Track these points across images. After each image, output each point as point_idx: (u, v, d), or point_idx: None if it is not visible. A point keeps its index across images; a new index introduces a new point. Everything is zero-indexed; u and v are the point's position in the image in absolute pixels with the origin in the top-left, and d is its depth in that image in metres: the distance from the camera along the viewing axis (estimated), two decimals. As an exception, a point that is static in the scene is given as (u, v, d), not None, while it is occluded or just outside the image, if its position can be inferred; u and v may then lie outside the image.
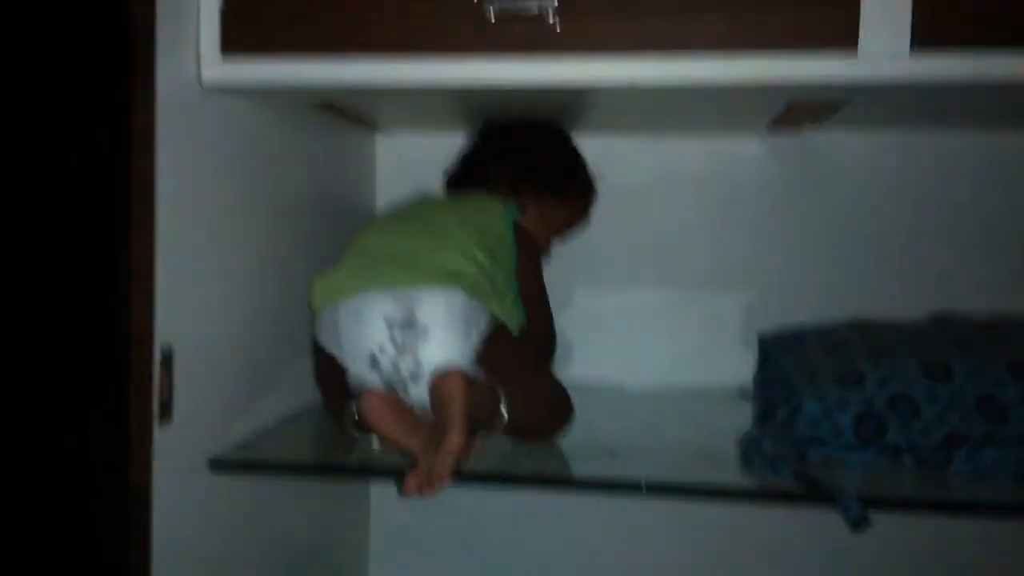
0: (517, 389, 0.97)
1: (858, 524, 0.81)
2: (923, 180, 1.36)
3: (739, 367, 1.36)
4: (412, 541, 1.51)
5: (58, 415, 0.88)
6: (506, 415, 0.95)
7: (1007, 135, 1.32)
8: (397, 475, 0.86)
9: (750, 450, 0.96)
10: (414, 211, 1.17)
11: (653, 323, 1.42)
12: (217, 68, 0.91)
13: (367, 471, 0.91)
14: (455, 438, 0.84)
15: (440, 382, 0.90)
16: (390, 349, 0.96)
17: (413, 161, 1.46)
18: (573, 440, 1.07)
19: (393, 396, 0.97)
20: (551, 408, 1.05)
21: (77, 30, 0.86)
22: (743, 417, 1.18)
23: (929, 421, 0.96)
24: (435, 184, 1.34)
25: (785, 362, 1.20)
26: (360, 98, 1.12)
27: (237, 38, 0.90)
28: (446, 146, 1.37)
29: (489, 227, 1.14)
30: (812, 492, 0.84)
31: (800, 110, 1.11)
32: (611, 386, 1.39)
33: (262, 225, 1.09)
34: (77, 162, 0.86)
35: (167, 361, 0.88)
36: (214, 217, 0.97)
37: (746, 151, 1.39)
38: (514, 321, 1.08)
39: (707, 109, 1.15)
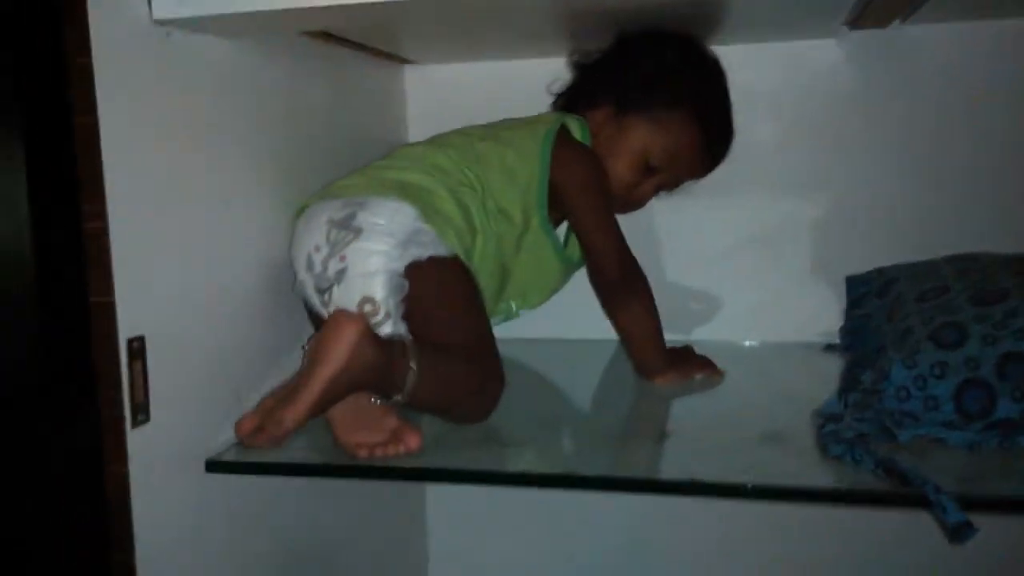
0: (430, 348, 0.86)
1: (958, 533, 0.65)
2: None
3: (821, 312, 1.19)
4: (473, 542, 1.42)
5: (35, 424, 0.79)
6: (410, 382, 0.83)
7: None
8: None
9: (827, 429, 0.80)
10: (457, 132, 1.12)
11: (720, 258, 1.27)
12: (169, 1, 0.77)
13: (386, 472, 0.80)
14: (297, 411, 0.80)
15: (331, 328, 0.82)
16: (324, 248, 0.92)
17: (447, 93, 1.35)
18: (622, 414, 0.93)
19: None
20: (468, 381, 0.90)
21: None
22: (827, 377, 1.01)
23: (1051, 388, 0.78)
24: (470, 117, 1.17)
25: (876, 311, 1.03)
26: (355, 21, 0.96)
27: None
28: (481, 75, 1.29)
29: (517, 143, 1.06)
30: (899, 491, 0.68)
31: None
32: (670, 339, 1.19)
33: (263, 181, 0.97)
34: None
35: (138, 354, 0.77)
36: (192, 178, 0.84)
37: (822, 55, 1.21)
38: (551, 252, 1.08)
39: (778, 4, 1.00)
